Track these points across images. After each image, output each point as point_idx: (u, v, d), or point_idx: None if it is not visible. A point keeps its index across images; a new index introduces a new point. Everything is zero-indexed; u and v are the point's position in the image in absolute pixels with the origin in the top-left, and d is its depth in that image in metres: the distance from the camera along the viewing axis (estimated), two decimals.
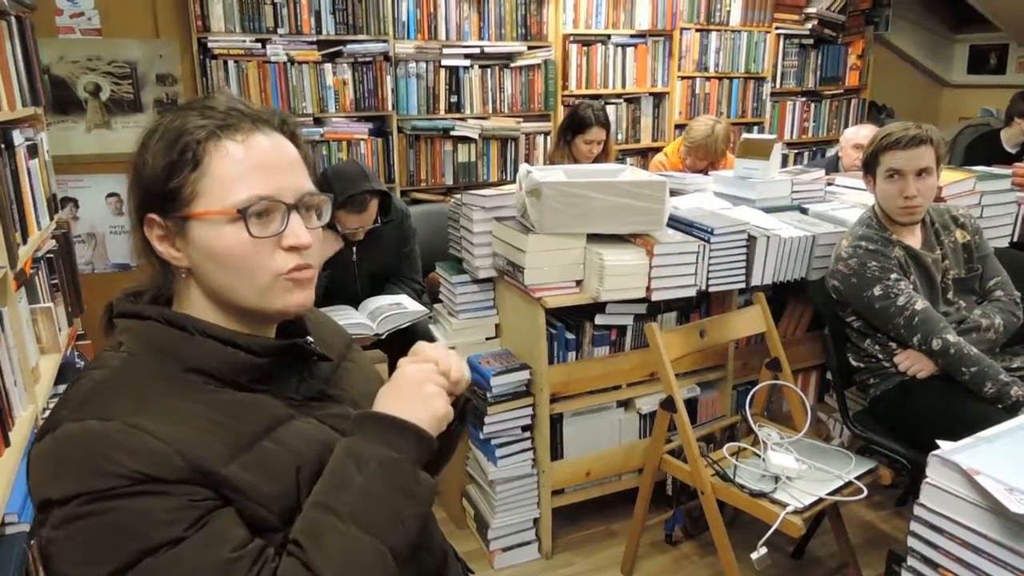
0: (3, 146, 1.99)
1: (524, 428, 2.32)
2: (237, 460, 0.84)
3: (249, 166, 0.88)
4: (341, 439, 0.90)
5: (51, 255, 2.52)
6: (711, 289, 2.34)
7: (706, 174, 3.25)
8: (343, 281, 2.73)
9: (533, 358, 2.30)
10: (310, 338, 1.01)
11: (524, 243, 2.18)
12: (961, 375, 2.04)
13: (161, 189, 0.88)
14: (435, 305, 2.75)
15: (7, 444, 1.71)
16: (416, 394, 0.92)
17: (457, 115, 4.19)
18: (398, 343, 2.68)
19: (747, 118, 4.99)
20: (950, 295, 2.21)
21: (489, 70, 4.21)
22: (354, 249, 2.72)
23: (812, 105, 5.27)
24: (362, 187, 2.53)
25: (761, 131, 4.99)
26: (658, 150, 4.25)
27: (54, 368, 2.26)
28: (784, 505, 1.84)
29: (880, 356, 2.20)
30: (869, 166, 2.19)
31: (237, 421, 0.87)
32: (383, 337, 2.57)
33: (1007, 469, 1.16)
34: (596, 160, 3.65)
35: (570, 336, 2.34)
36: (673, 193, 2.73)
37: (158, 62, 3.67)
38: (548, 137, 4.35)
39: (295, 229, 0.91)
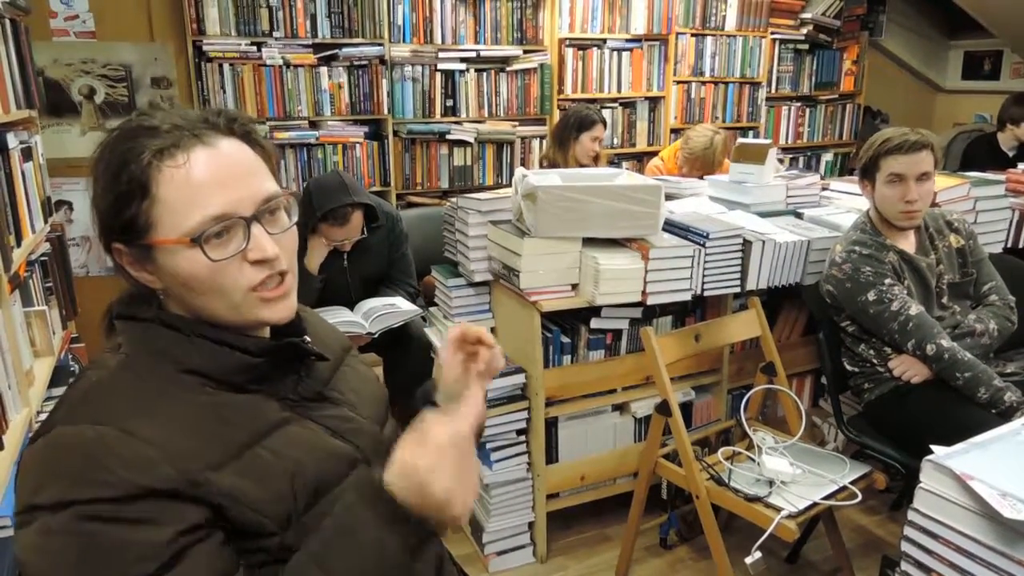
0: None
1: (519, 432, 2.32)
2: (229, 467, 0.83)
3: (197, 186, 0.84)
4: (362, 485, 0.84)
5: (45, 258, 2.52)
6: (706, 293, 2.34)
7: (701, 179, 3.25)
8: (336, 287, 2.73)
9: (528, 362, 2.30)
10: (307, 337, 1.01)
11: (520, 247, 2.18)
12: (955, 380, 2.04)
13: (116, 220, 0.86)
14: (430, 308, 2.75)
15: (1, 447, 1.71)
16: (462, 469, 0.80)
17: (453, 119, 4.19)
18: (392, 345, 2.68)
19: (742, 123, 5.00)
20: (944, 300, 2.21)
21: (485, 74, 4.21)
22: (344, 256, 2.72)
23: (807, 110, 5.29)
24: (342, 200, 2.54)
25: (756, 136, 5.01)
26: (653, 154, 4.26)
27: (48, 371, 2.25)
28: (779, 509, 1.84)
29: (874, 361, 2.20)
30: (868, 171, 2.19)
31: (231, 427, 0.86)
32: (376, 337, 2.57)
33: (1000, 474, 1.16)
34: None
35: (565, 340, 2.34)
36: (669, 197, 2.73)
37: (153, 65, 3.67)
38: (544, 141, 4.36)
39: (259, 242, 0.87)
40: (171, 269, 0.86)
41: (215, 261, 0.85)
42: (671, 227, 2.39)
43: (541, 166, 3.87)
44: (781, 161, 4.89)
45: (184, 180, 0.84)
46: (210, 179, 0.85)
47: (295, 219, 0.94)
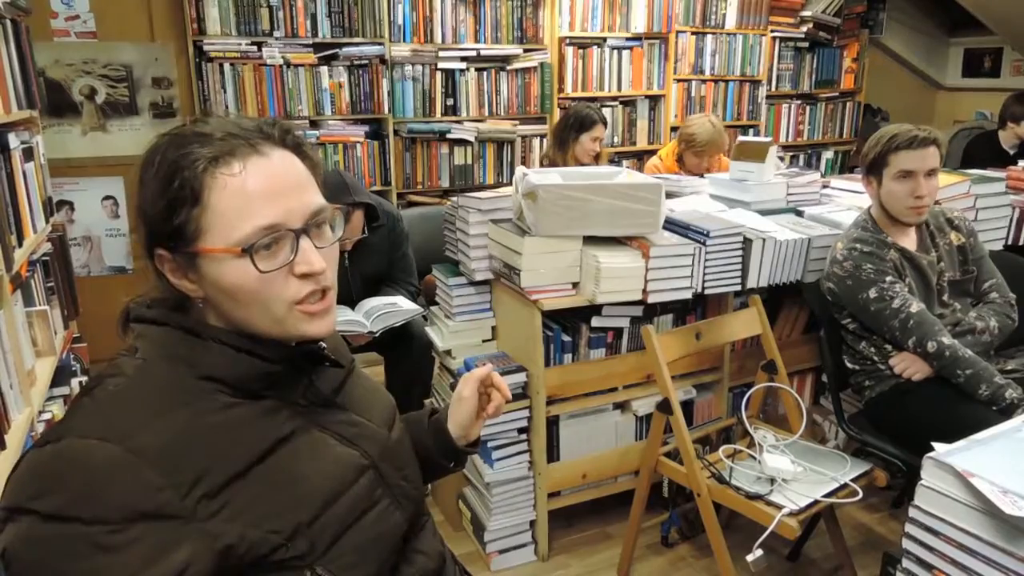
0: None
1: (520, 430, 2.32)
2: (235, 484, 0.83)
3: (250, 195, 0.85)
4: None
5: (47, 258, 2.52)
6: (707, 291, 2.34)
7: (702, 177, 3.25)
8: (337, 286, 2.72)
9: (529, 360, 2.30)
10: (323, 343, 1.01)
11: (520, 245, 2.18)
12: (956, 377, 2.04)
13: (164, 226, 0.85)
14: (431, 307, 2.75)
15: (3, 447, 1.71)
16: None
17: (453, 118, 4.19)
18: (393, 344, 2.68)
19: (742, 121, 5.00)
20: (945, 297, 2.21)
21: (485, 73, 4.21)
22: (346, 256, 2.72)
23: (807, 108, 5.29)
24: (343, 200, 2.54)
25: (756, 134, 5.01)
26: (654, 153, 4.25)
27: (50, 371, 2.26)
28: (780, 507, 1.84)
29: (875, 358, 2.20)
30: (875, 167, 2.17)
31: (241, 441, 0.86)
32: (378, 336, 2.57)
33: (1001, 471, 1.17)
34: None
35: (566, 338, 2.34)
36: (669, 195, 2.73)
37: (154, 65, 3.67)
38: (544, 140, 4.36)
39: (306, 256, 0.88)
40: (215, 278, 0.86)
41: (263, 272, 0.85)
42: (672, 225, 2.39)
43: (541, 165, 3.87)
44: (781, 159, 4.89)
45: (238, 189, 0.84)
46: (263, 189, 0.85)
47: (339, 234, 0.95)
